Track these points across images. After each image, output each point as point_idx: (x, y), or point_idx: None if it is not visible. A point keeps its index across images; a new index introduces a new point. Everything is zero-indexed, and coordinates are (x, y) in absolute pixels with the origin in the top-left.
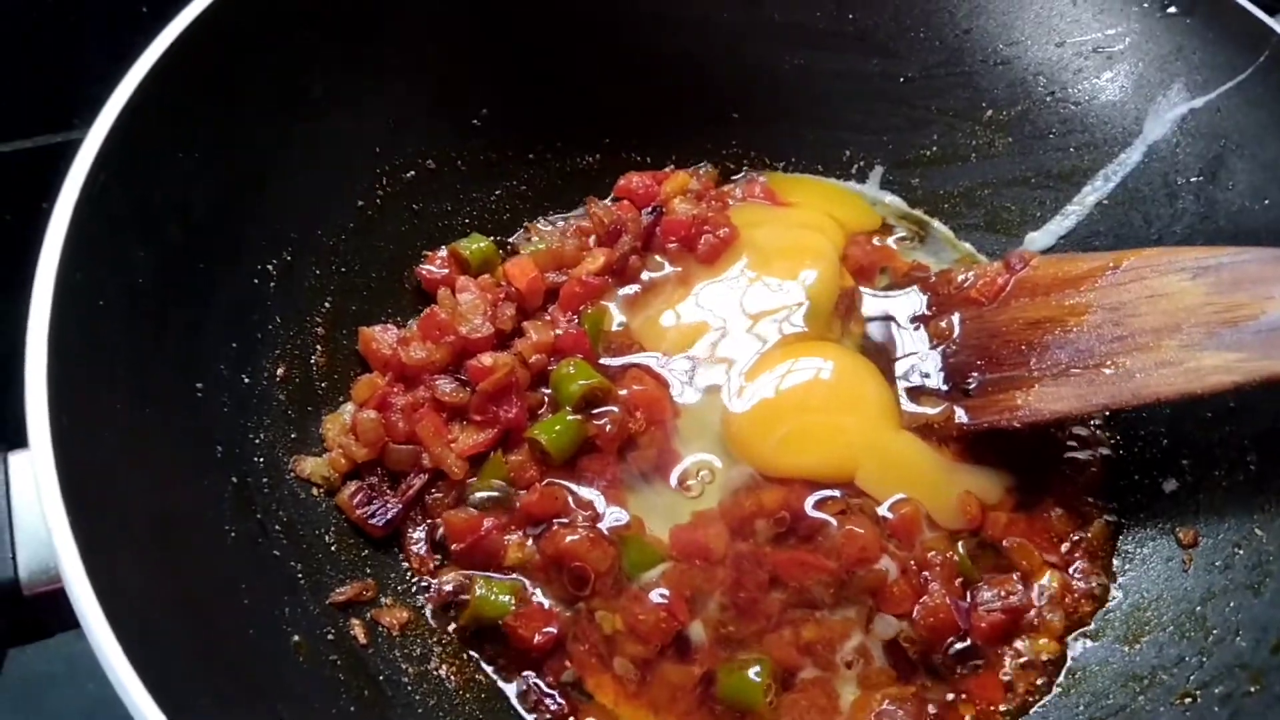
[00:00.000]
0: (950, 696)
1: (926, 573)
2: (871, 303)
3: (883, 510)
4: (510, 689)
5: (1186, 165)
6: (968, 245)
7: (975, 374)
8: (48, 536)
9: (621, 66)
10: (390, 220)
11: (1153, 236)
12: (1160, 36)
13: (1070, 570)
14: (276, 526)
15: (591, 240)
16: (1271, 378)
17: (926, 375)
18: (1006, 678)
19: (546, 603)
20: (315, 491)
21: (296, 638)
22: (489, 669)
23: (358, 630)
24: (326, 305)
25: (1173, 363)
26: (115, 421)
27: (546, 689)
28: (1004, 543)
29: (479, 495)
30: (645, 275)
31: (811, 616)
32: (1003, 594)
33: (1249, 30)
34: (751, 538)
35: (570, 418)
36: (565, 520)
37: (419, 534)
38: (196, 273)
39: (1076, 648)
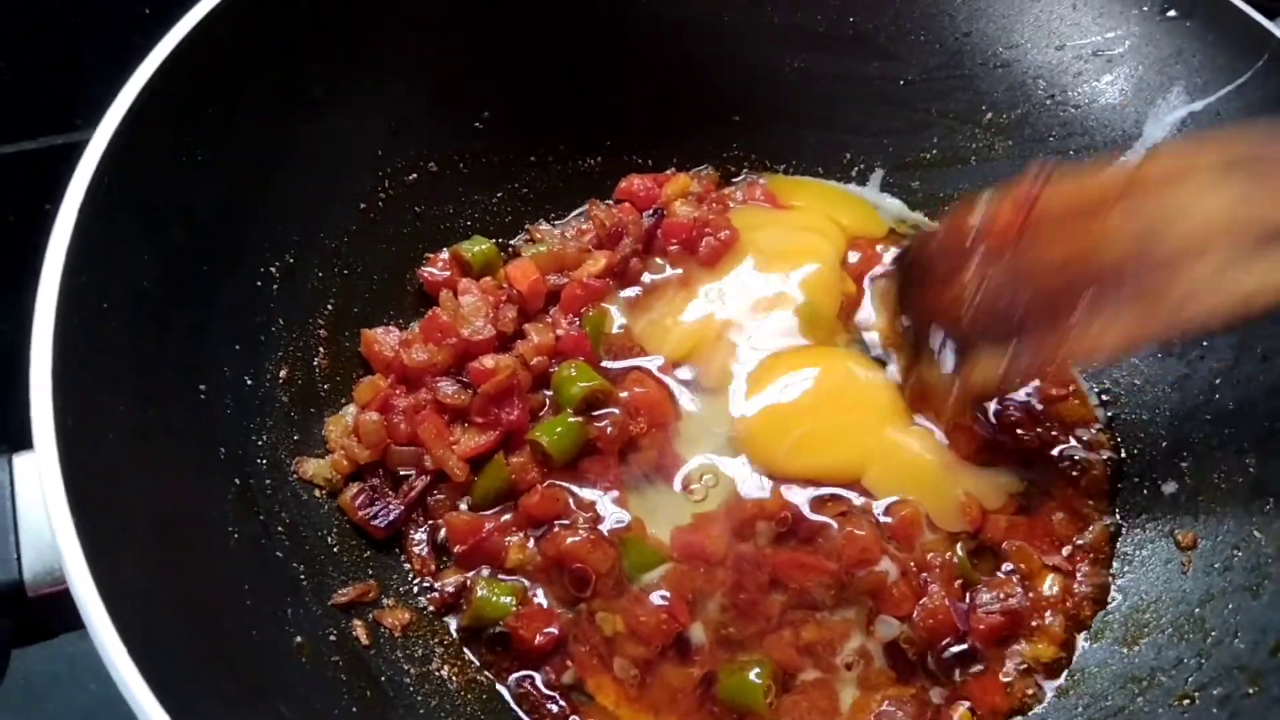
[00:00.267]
0: (950, 698)
1: (926, 575)
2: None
3: (882, 512)
4: (511, 690)
5: None
6: None
7: (1012, 337)
8: (52, 538)
9: (623, 69)
10: (392, 222)
11: None
12: (1160, 40)
13: (1070, 573)
14: (279, 528)
15: (591, 242)
16: None
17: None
18: (1006, 679)
19: (547, 604)
20: (318, 493)
21: (299, 638)
22: (490, 670)
23: (360, 631)
24: (329, 307)
25: (1214, 287)
26: (119, 423)
27: (547, 690)
28: (1004, 545)
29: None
30: (646, 278)
31: (812, 618)
32: (1002, 596)
33: (1248, 34)
34: (752, 539)
35: (571, 420)
36: (566, 522)
37: (421, 535)
38: (200, 275)
39: (1076, 649)
